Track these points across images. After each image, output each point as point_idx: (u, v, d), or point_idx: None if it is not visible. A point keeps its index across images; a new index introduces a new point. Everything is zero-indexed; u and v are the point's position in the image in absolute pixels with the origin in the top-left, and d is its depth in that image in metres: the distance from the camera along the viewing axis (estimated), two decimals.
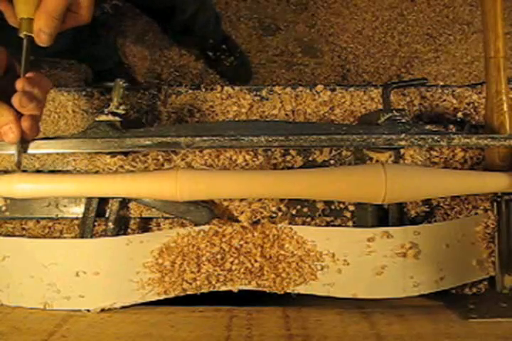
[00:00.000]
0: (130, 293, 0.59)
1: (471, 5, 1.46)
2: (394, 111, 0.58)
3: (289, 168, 0.63)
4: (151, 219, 0.65)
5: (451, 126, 0.64)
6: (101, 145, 0.55)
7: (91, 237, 0.61)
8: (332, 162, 0.64)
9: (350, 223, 0.64)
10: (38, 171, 0.64)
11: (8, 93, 0.50)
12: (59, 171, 0.64)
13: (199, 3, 1.11)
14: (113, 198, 0.62)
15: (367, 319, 0.56)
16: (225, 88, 0.68)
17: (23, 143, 0.54)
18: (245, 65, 1.42)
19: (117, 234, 0.62)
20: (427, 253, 0.59)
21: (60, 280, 0.59)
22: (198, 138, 0.54)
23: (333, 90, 0.68)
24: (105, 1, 1.41)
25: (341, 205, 0.63)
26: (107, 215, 0.62)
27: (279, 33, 1.46)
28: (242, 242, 0.60)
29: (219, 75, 1.43)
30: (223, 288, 0.60)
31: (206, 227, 0.60)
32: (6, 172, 0.64)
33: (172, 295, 0.59)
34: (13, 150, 0.53)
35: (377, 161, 0.63)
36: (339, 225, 0.64)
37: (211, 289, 0.60)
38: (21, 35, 0.51)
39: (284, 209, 0.63)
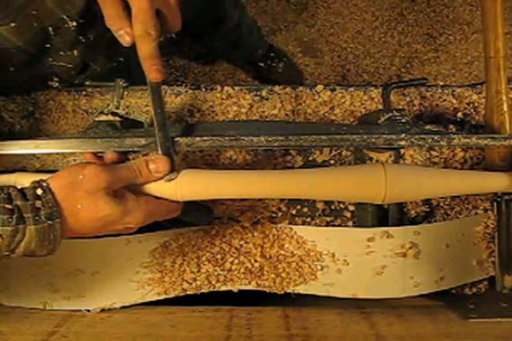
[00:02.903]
0: (130, 293, 0.59)
1: (471, 5, 1.46)
2: (394, 111, 0.58)
3: (289, 168, 0.63)
4: None
5: (451, 126, 0.64)
6: (101, 145, 0.55)
7: (91, 237, 0.61)
8: (332, 162, 0.64)
9: (350, 223, 0.64)
10: (38, 171, 0.64)
11: None
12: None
13: (240, 8, 1.11)
14: None
15: (367, 319, 0.56)
16: (225, 88, 0.68)
17: None
18: (294, 66, 1.42)
19: (117, 234, 0.62)
20: (426, 253, 0.59)
21: (60, 280, 0.59)
22: (198, 138, 0.54)
23: (333, 90, 0.67)
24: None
25: (341, 205, 0.63)
26: None
27: (279, 33, 1.46)
28: (242, 242, 0.60)
29: (272, 83, 1.41)
30: (223, 288, 0.60)
31: (206, 227, 0.60)
32: (5, 172, 0.64)
33: (172, 295, 0.59)
34: (14, 150, 0.52)
35: (377, 161, 0.63)
36: (339, 225, 0.64)
37: (211, 289, 0.60)
38: None
39: (284, 209, 0.63)
